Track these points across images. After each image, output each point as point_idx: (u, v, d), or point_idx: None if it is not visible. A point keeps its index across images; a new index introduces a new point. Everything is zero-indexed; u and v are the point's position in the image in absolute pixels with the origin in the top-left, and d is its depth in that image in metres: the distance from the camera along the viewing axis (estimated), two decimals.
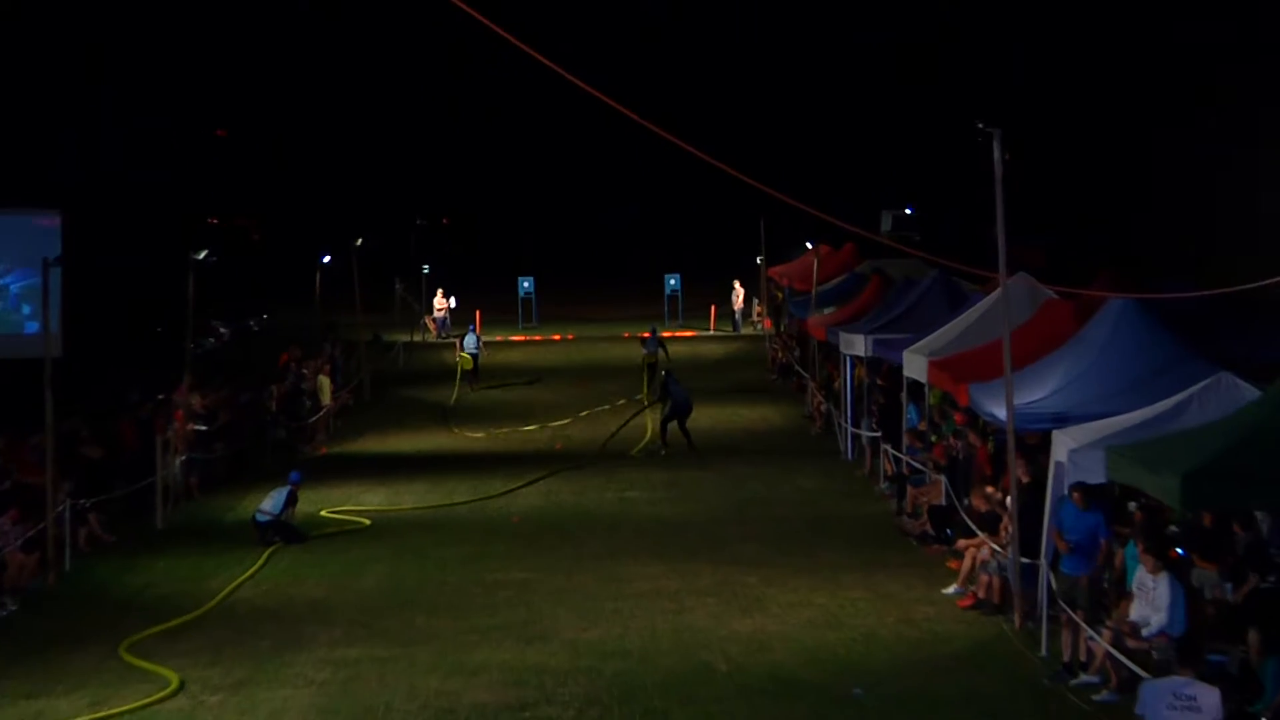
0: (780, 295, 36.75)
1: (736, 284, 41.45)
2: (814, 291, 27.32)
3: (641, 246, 62.55)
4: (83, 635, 13.06)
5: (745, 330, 41.05)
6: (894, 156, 68.13)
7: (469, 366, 31.64)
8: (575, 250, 66.82)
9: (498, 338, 39.17)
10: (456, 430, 25.28)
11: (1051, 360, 14.04)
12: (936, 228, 53.00)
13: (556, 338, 40.65)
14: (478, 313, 38.80)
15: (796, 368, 29.02)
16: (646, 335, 31.18)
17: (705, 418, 25.05)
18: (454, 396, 29.62)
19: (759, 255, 39.06)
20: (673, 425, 22.65)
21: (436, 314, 41.23)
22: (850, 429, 21.76)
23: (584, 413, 25.95)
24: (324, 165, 73.37)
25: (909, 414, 18.91)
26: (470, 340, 32.87)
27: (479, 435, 24.31)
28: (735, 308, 41.26)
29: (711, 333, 40.92)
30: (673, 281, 42.99)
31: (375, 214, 63.49)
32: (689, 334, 40.36)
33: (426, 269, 42.40)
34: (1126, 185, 55.60)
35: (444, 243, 63.88)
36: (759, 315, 41.14)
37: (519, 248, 64.72)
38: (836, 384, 23.74)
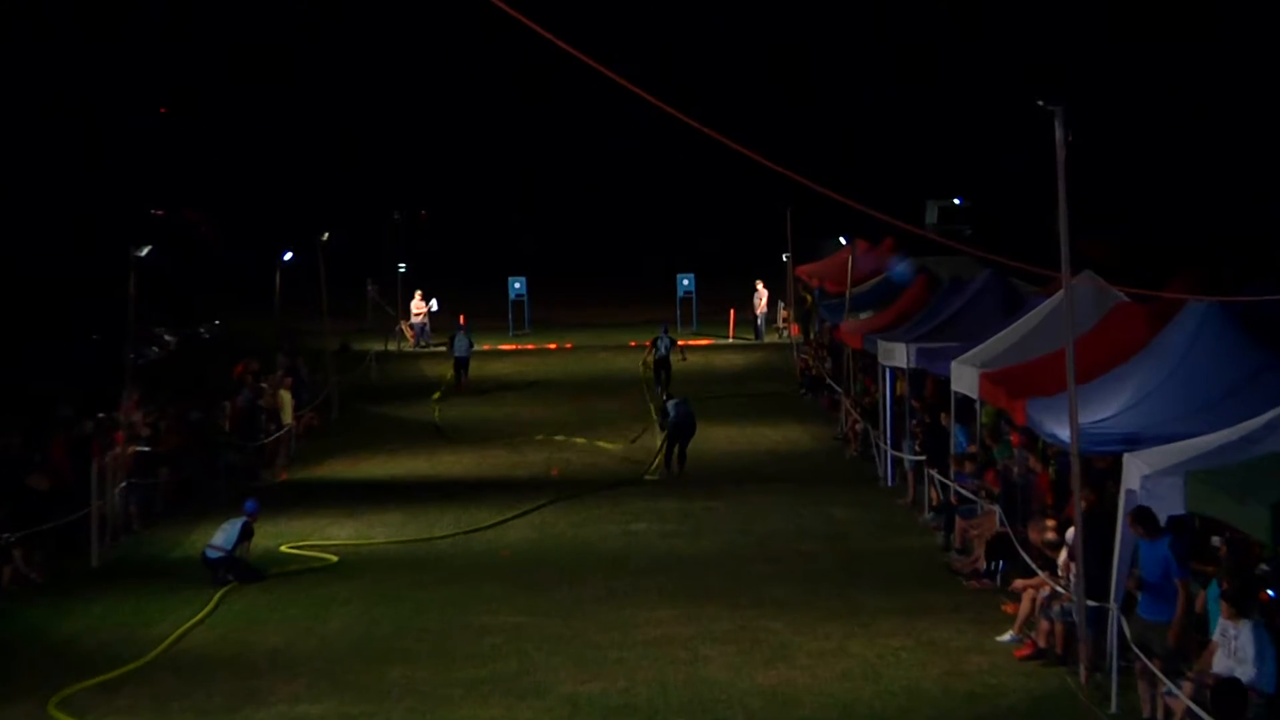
0: (809, 298, 36.68)
1: (759, 285, 41.32)
2: (848, 294, 27.13)
3: (650, 243, 63.00)
4: (6, 689, 12.98)
5: (769, 338, 41.12)
6: (941, 139, 68.01)
7: (457, 374, 33.44)
8: (574, 247, 66.45)
9: (484, 346, 39.39)
10: (450, 437, 25.74)
11: (1122, 373, 14.01)
12: (989, 220, 53.17)
13: (553, 347, 40.75)
14: (461, 317, 38.74)
15: (828, 381, 28.98)
16: (649, 345, 32.18)
17: (723, 439, 25.28)
18: (436, 409, 29.87)
19: (785, 252, 38.94)
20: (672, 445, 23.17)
21: (414, 319, 41.11)
22: (890, 452, 21.76)
23: (633, 437, 25.75)
24: (286, 149, 72.47)
25: (957, 435, 18.85)
26: (461, 342, 34.59)
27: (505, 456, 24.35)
28: (758, 312, 41.21)
29: (730, 341, 40.90)
30: (685, 282, 42.89)
31: (344, 206, 62.62)
32: (704, 342, 40.41)
33: (403, 268, 42.36)
34: (1209, 171, 55.30)
35: (423, 238, 63.88)
36: (785, 321, 41.05)
37: (509, 244, 64.51)
38: (872, 399, 23.85)
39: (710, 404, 28.99)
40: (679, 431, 23.12)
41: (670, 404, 23.30)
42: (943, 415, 19.39)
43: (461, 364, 34.62)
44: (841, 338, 25.98)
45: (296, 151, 73.64)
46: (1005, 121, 55.79)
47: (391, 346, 40.30)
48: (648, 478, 22.75)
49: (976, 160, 63.33)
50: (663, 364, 32.95)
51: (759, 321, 41.52)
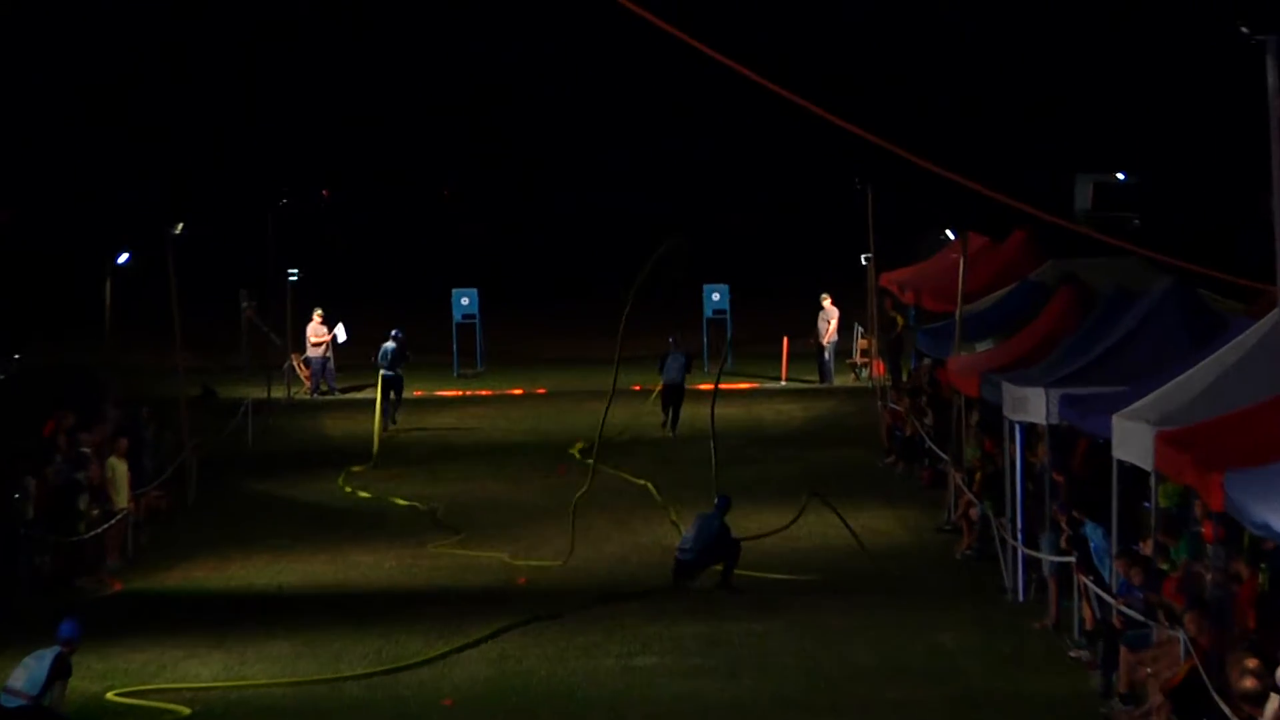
0: (900, 320, 37.15)
1: (826, 302, 41.19)
2: (958, 313, 27.24)
3: (660, 235, 63.00)
4: None
5: (841, 380, 41.27)
6: (1096, 92, 67.78)
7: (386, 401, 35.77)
8: (548, 244, 65.93)
9: (416, 392, 39.67)
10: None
11: None
12: (1165, 204, 53.10)
13: (517, 392, 41.24)
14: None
15: (929, 444, 29.06)
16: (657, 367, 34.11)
17: (770, 524, 25.06)
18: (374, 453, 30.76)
19: (864, 253, 39.24)
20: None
21: (311, 353, 41.24)
22: (1022, 550, 21.72)
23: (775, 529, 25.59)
24: (117, 108, 73.78)
25: (1122, 525, 18.67)
26: (392, 354, 36.72)
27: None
28: (824, 340, 41.07)
29: (783, 384, 41.32)
30: (716, 296, 43.12)
31: (206, 185, 63.52)
32: (745, 386, 40.67)
33: (295, 275, 42.08)
34: None
35: (326, 230, 63.88)
36: (864, 355, 41.21)
37: (452, 240, 64.24)
38: (995, 470, 23.82)
39: (753, 478, 28.83)
40: (705, 560, 23.28)
41: (696, 525, 23.47)
42: (1099, 494, 19.07)
43: (392, 386, 36.35)
44: (949, 380, 25.96)
45: (136, 109, 74.35)
46: (1191, 61, 56.48)
47: (278, 393, 40.10)
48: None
49: (1149, 119, 63.23)
50: (673, 394, 34.31)
51: (825, 355, 41.25)
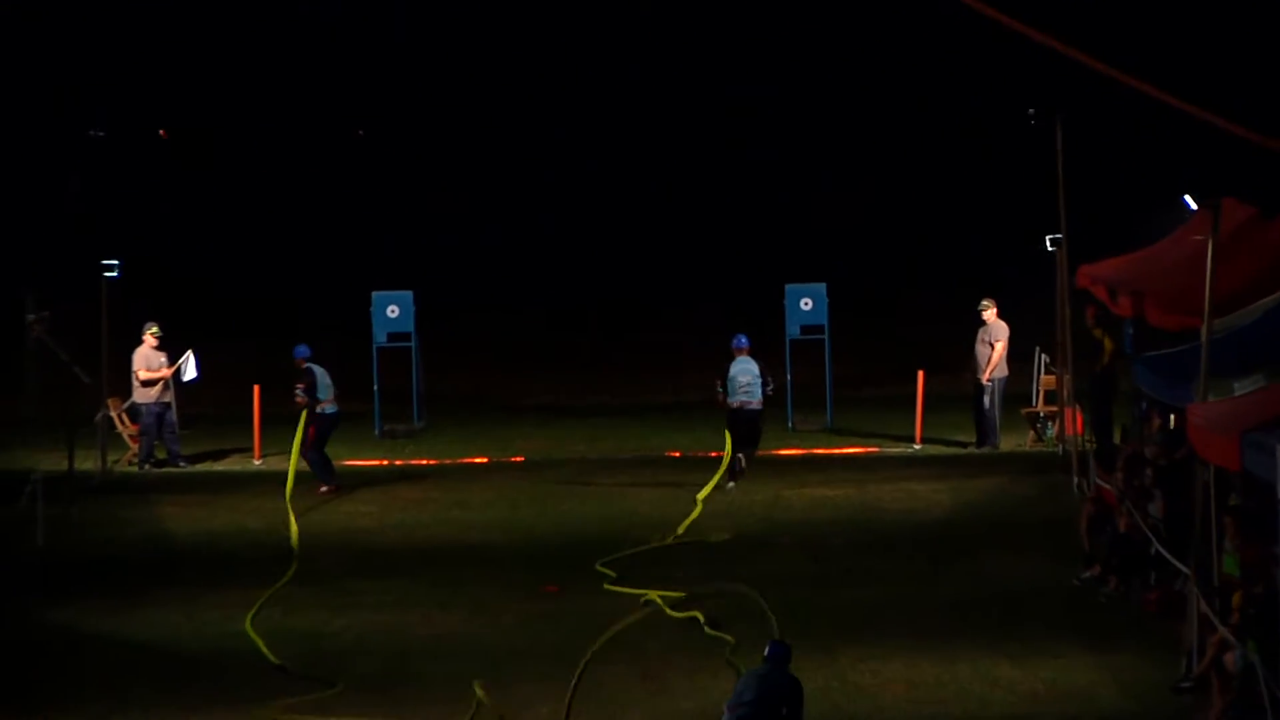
0: (1109, 344, 36.87)
1: (989, 312, 40.74)
2: (1206, 332, 25.84)
3: (706, 213, 62.04)
4: None
5: (1013, 440, 41.07)
6: None
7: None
8: (526, 216, 68.28)
9: (299, 470, 37.66)
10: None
11: None
12: None
13: (479, 461, 41.09)
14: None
15: (1156, 548, 28.57)
16: (717, 384, 35.32)
17: (901, 685, 25.38)
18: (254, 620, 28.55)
19: (1050, 233, 38.61)
20: None
21: (141, 395, 40.58)
22: None
23: None
24: None
25: None
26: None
27: None
28: (984, 375, 40.49)
29: (916, 448, 41.42)
30: (807, 304, 43.74)
31: None
32: (854, 450, 41.23)
33: (115, 271, 41.39)
34: None
35: (165, 195, 65.66)
36: (1049, 402, 41.00)
37: (374, 210, 64.46)
38: (1268, 591, 23.43)
39: (868, 605, 28.54)
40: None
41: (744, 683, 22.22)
42: None
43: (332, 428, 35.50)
44: (1193, 442, 24.79)
45: None
46: None
47: (86, 462, 38.62)
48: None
49: None
50: (746, 424, 35.66)
51: (987, 401, 40.13)
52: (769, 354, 41.38)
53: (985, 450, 40.27)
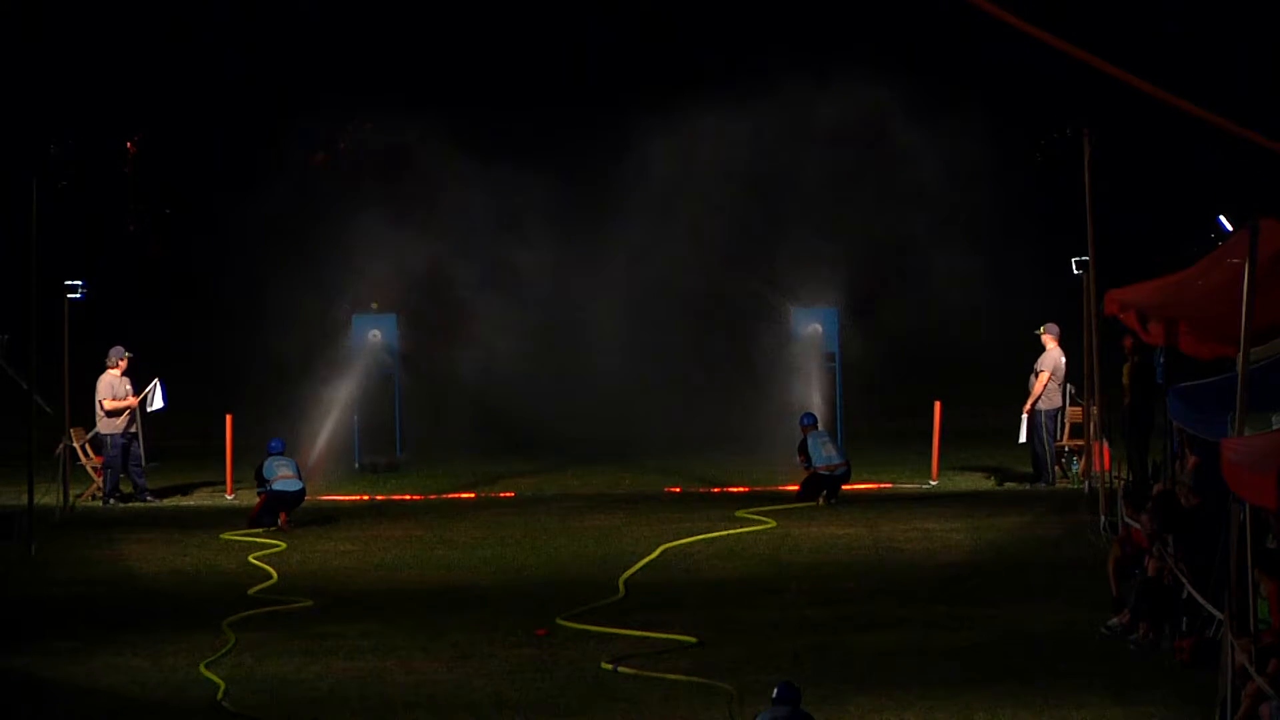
0: (1125, 377, 37.75)
1: (1050, 340, 41.48)
2: (1241, 361, 26.15)
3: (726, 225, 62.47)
4: None
5: (1065, 482, 41.16)
6: None
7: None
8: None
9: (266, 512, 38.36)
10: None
11: None
12: None
13: (465, 498, 41.31)
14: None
15: (1189, 593, 28.60)
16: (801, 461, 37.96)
17: None
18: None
19: (1078, 256, 38.63)
20: None
21: (106, 426, 40.99)
22: None
23: None
24: None
25: None
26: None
27: None
28: (1025, 407, 41.25)
29: (932, 484, 41.82)
30: (816, 329, 43.71)
31: None
32: (866, 487, 41.22)
33: (79, 292, 41.61)
34: None
35: (133, 208, 64.47)
36: (1075, 436, 41.08)
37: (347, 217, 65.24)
38: None
39: (878, 652, 28.47)
40: None
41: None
42: None
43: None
44: (1228, 479, 24.54)
45: None
46: None
47: (46, 498, 38.42)
48: None
49: None
50: (833, 484, 38.51)
51: (1033, 431, 40.98)
52: (768, 377, 44.74)
53: (1040, 487, 41.48)
